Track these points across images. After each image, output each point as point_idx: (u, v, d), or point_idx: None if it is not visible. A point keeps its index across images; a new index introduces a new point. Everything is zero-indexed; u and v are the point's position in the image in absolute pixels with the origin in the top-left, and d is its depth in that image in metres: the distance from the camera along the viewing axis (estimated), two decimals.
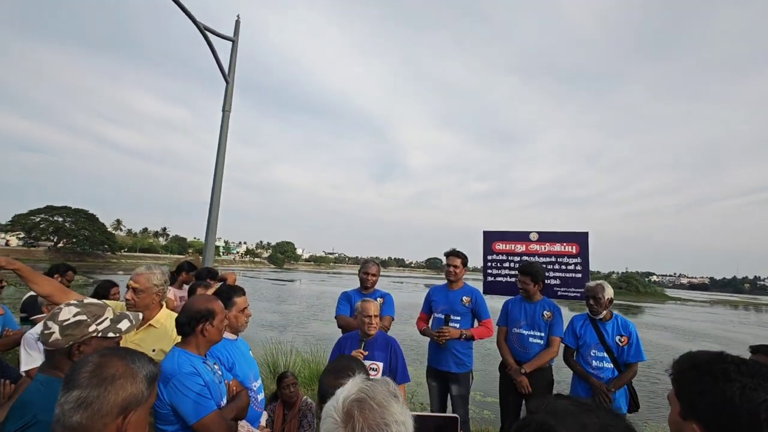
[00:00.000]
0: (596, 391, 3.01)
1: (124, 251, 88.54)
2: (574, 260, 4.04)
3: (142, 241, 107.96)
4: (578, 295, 3.92)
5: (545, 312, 3.38)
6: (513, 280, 4.07)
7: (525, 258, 4.16)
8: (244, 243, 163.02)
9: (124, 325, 1.52)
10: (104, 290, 3.91)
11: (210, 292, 3.14)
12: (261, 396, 2.43)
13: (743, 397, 0.89)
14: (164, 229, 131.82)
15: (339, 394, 0.87)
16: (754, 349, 1.85)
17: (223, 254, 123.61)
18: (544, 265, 3.90)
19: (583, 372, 3.13)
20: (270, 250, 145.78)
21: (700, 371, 0.99)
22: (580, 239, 4.06)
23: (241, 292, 2.43)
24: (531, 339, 3.35)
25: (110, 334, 1.46)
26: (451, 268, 3.66)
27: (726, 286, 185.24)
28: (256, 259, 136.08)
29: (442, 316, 3.54)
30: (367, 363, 2.58)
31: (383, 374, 2.67)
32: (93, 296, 3.74)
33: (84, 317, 1.41)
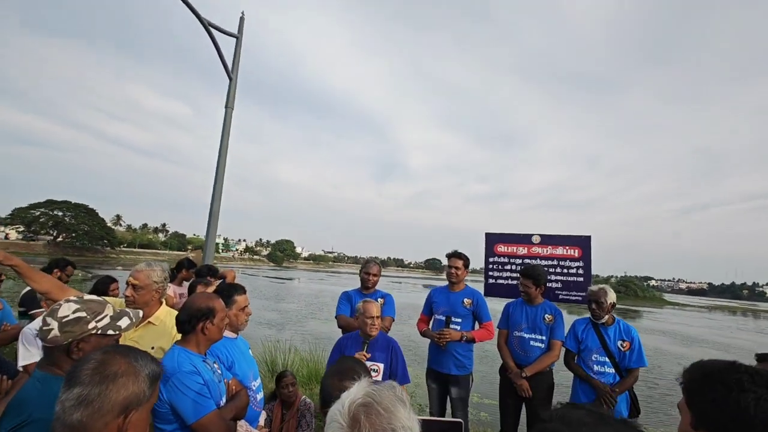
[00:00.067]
0: (600, 393, 2.98)
1: (124, 247, 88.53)
2: (576, 264, 4.03)
3: (141, 237, 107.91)
4: (580, 298, 3.91)
5: (546, 315, 3.36)
6: (514, 282, 4.05)
7: (527, 261, 4.14)
8: (244, 240, 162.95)
9: (123, 322, 1.50)
10: (103, 286, 3.88)
11: (210, 289, 3.12)
12: (260, 395, 2.40)
13: (758, 408, 0.88)
14: (164, 225, 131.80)
15: (345, 398, 0.84)
16: (761, 358, 1.83)
17: (223, 251, 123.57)
18: (546, 268, 3.87)
19: (586, 375, 3.10)
20: (269, 248, 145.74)
21: (712, 380, 0.97)
22: (583, 243, 4.05)
23: (241, 290, 2.41)
24: (532, 342, 3.33)
25: (110, 332, 1.44)
26: (453, 270, 3.63)
27: (724, 292, 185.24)
28: (255, 257, 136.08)
29: (443, 318, 3.51)
30: (367, 364, 2.56)
31: (384, 375, 2.65)
32: (92, 292, 3.72)
33: (84, 314, 1.39)
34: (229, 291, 2.34)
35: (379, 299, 3.50)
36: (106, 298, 1.72)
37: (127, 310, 1.56)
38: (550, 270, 4.01)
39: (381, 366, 2.66)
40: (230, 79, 6.82)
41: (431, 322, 3.75)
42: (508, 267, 4.24)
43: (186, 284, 4.47)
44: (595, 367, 3.08)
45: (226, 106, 6.82)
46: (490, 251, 4.33)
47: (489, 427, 5.57)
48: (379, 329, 2.75)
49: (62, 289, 2.09)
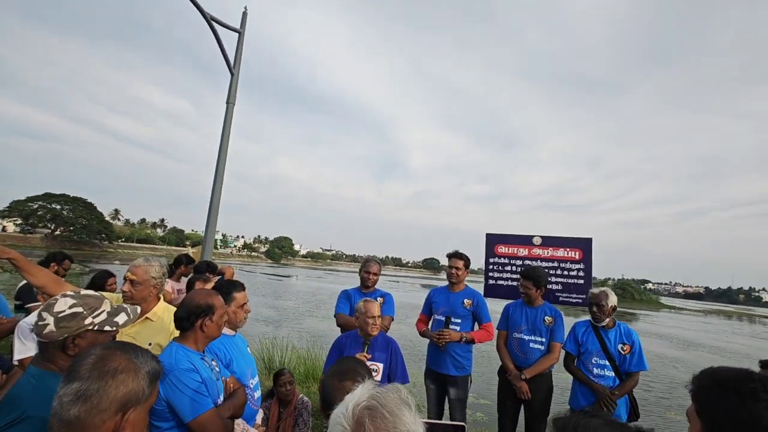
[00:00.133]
0: (600, 397, 2.97)
1: (122, 241, 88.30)
2: (577, 266, 4.01)
3: (139, 232, 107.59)
4: (580, 301, 3.89)
5: (546, 317, 3.34)
6: (514, 284, 4.03)
7: (527, 262, 4.13)
8: (242, 237, 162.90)
9: (121, 318, 1.47)
10: (101, 280, 3.85)
11: (209, 286, 3.09)
12: (258, 393, 2.38)
13: None
14: (162, 221, 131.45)
15: (348, 401, 0.82)
16: (764, 364, 1.81)
17: (221, 247, 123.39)
18: (547, 270, 3.86)
19: (586, 378, 3.09)
20: (267, 245, 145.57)
21: (725, 389, 0.95)
22: (584, 245, 4.03)
23: (240, 287, 2.39)
24: (532, 344, 3.31)
25: (107, 328, 1.41)
26: (453, 270, 3.61)
27: (721, 296, 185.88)
28: (253, 254, 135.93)
29: (443, 318, 3.49)
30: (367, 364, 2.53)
31: (383, 375, 2.63)
32: (89, 286, 3.69)
33: (80, 309, 1.36)
34: (228, 288, 2.32)
35: (378, 298, 3.48)
36: (104, 293, 1.69)
37: (125, 306, 1.53)
38: (551, 272, 4.00)
39: (380, 366, 2.64)
40: (232, 74, 6.78)
41: (430, 322, 3.73)
42: (509, 268, 4.22)
43: (184, 280, 4.44)
44: (595, 371, 3.06)
45: (227, 102, 6.78)
46: (490, 252, 4.31)
47: (485, 428, 5.56)
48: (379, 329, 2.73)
49: (59, 283, 2.06)
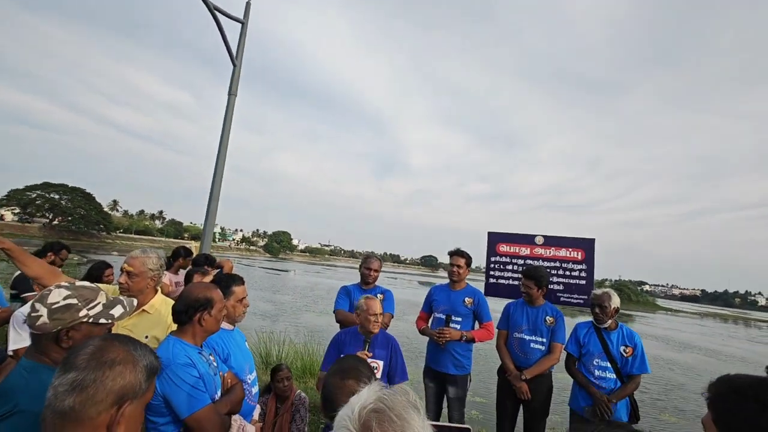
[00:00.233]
0: (597, 402, 2.95)
1: (120, 232, 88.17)
2: (579, 266, 3.98)
3: (138, 223, 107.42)
4: (581, 301, 3.86)
5: (548, 317, 3.31)
6: (516, 283, 4.00)
7: (529, 261, 4.10)
8: (241, 230, 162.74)
9: (117, 311, 1.43)
10: (98, 271, 3.80)
11: (207, 279, 3.05)
12: (255, 389, 2.35)
13: None
14: (161, 213, 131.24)
15: (354, 403, 0.78)
16: None
17: (219, 241, 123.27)
18: (548, 270, 3.83)
19: (585, 381, 3.06)
20: (266, 239, 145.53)
21: (743, 396, 0.91)
22: (586, 245, 4.00)
23: (240, 281, 2.35)
24: (532, 344, 3.28)
25: (102, 320, 1.37)
26: (455, 268, 3.57)
27: (717, 299, 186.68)
28: (251, 247, 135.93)
29: (443, 317, 3.46)
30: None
31: (383, 373, 2.60)
32: (86, 277, 3.65)
33: (74, 301, 1.31)
34: (228, 281, 2.28)
35: (378, 295, 3.44)
36: (100, 285, 1.65)
37: (121, 298, 1.49)
38: (553, 272, 3.97)
39: (381, 363, 2.60)
40: (234, 65, 6.70)
41: (431, 320, 3.70)
42: (510, 267, 4.19)
43: (182, 272, 4.41)
44: (597, 372, 3.04)
45: (229, 93, 6.71)
46: (492, 250, 4.28)
47: (480, 426, 5.55)
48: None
49: (54, 274, 2.02)
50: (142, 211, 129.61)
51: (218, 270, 3.89)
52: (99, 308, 1.37)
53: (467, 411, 6.50)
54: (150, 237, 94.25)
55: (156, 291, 2.27)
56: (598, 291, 3.19)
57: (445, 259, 3.67)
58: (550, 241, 4.11)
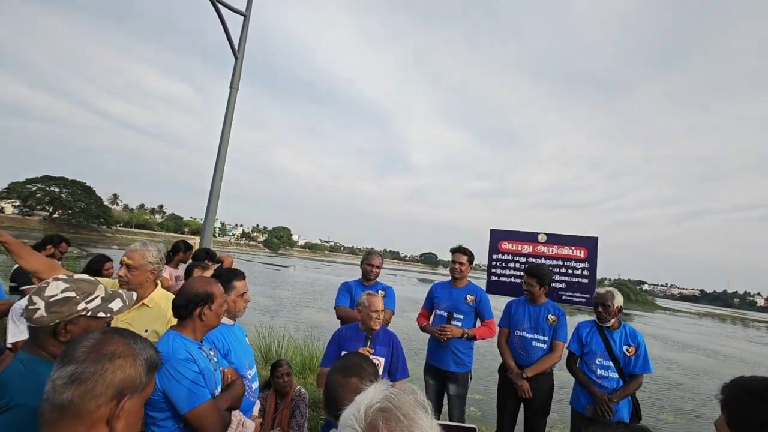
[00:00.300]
0: (597, 401, 2.93)
1: (120, 226, 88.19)
2: (582, 265, 3.96)
3: (138, 217, 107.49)
4: (584, 300, 3.84)
5: (550, 316, 3.29)
6: (518, 280, 3.98)
7: (531, 259, 4.07)
8: (241, 225, 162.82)
9: (116, 305, 1.40)
10: (97, 265, 3.78)
11: (208, 273, 3.03)
12: (255, 385, 2.33)
13: None
14: (161, 207, 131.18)
15: (361, 402, 0.75)
16: None
17: (219, 235, 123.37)
18: (551, 268, 3.81)
19: (586, 380, 3.05)
20: (266, 235, 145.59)
21: (758, 398, 0.89)
22: (589, 244, 3.98)
23: (241, 276, 2.32)
24: (534, 343, 3.26)
25: (100, 314, 1.34)
26: (457, 265, 3.55)
27: (716, 300, 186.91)
28: (251, 243, 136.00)
29: (445, 314, 3.44)
30: None
31: (384, 370, 2.58)
32: (86, 270, 3.63)
33: (73, 294, 1.29)
34: (229, 276, 2.26)
35: (380, 291, 3.42)
36: (99, 278, 1.62)
37: (120, 291, 1.46)
38: (555, 270, 3.95)
39: (382, 360, 2.58)
40: (236, 58, 6.65)
41: (432, 317, 3.68)
42: (512, 265, 4.16)
43: (182, 267, 4.38)
44: (599, 371, 3.02)
45: (230, 86, 6.67)
46: (494, 248, 4.25)
47: (478, 423, 5.55)
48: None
49: (52, 267, 1.99)
50: (142, 205, 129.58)
51: (219, 264, 3.87)
52: (98, 302, 1.34)
53: (465, 408, 6.53)
54: (150, 231, 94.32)
55: (156, 285, 2.25)
56: (601, 290, 3.17)
57: (445, 257, 3.66)
58: (553, 239, 4.08)
